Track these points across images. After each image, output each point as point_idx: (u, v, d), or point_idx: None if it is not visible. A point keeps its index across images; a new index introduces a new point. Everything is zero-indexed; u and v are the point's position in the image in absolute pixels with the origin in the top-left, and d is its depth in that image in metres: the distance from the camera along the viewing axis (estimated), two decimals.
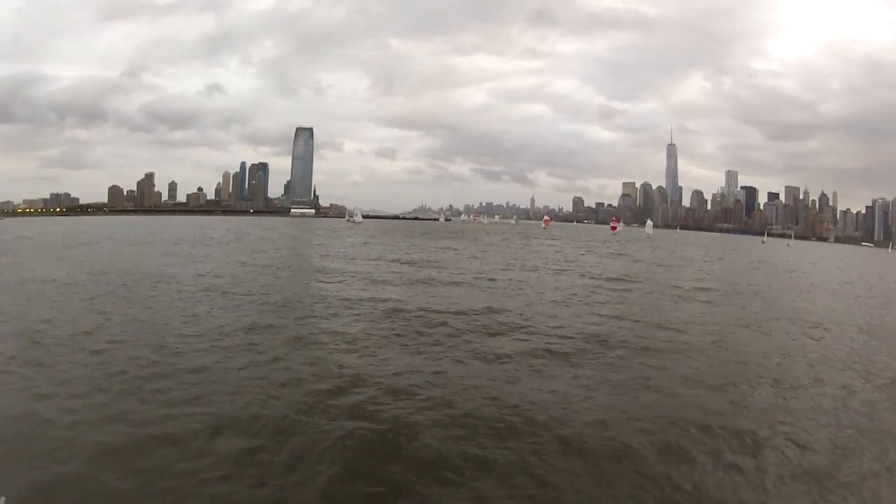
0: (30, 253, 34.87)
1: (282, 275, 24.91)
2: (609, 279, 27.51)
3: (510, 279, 25.78)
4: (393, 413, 8.13)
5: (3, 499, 5.49)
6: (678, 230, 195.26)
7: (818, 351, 13.81)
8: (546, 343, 12.78)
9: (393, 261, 33.51)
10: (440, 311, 16.20)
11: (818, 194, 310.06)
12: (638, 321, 16.25)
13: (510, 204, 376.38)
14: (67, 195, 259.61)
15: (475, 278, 25.37)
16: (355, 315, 15.42)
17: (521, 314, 16.36)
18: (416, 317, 15.22)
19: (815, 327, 17.15)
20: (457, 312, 16.09)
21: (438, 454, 6.92)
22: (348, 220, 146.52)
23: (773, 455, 7.34)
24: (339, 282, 22.74)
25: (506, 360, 11.30)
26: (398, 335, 13.10)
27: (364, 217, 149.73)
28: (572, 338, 13.53)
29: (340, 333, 13.06)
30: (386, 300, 17.79)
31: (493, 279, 25.30)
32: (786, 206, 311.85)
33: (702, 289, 25.63)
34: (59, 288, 19.31)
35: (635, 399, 9.25)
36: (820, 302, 24.35)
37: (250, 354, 11.10)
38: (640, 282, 27.24)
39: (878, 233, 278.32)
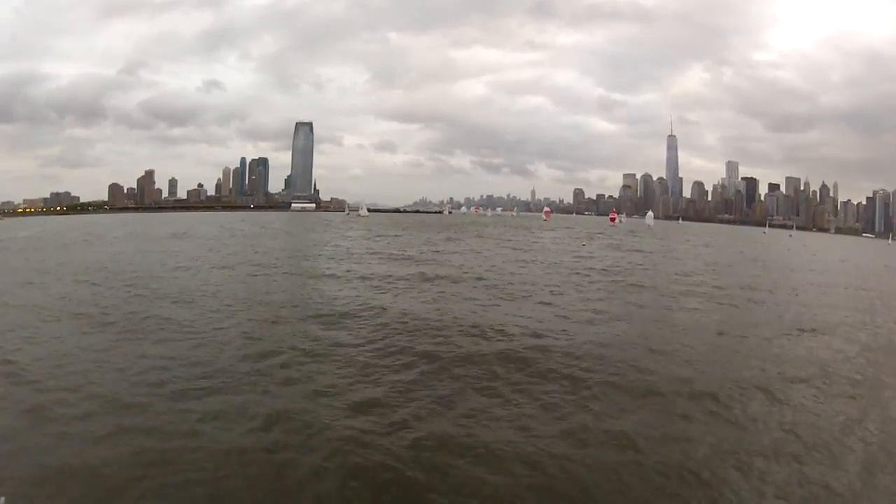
0: (22, 252, 35.53)
1: (277, 277, 24.61)
2: (609, 273, 27.61)
3: (510, 273, 25.86)
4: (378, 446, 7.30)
5: (3, 499, 5.54)
6: (680, 221, 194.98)
7: (829, 354, 13.07)
8: (540, 349, 12.10)
9: (394, 257, 33.51)
10: (440, 315, 16.05)
11: (819, 185, 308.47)
12: (638, 321, 16.08)
13: (511, 196, 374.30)
14: (68, 194, 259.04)
15: (475, 274, 25.40)
16: (349, 323, 14.33)
17: (517, 315, 15.86)
18: (417, 325, 14.03)
19: (830, 325, 16.71)
20: (458, 317, 15.61)
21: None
22: (348, 213, 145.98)
23: (778, 478, 6.85)
24: (338, 282, 22.70)
25: (495, 365, 10.71)
26: (397, 348, 11.87)
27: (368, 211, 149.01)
28: (569, 341, 13.22)
29: (332, 345, 12.07)
30: (385, 307, 16.29)
31: (492, 269, 25.41)
32: (786, 197, 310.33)
33: (706, 283, 25.66)
34: (44, 285, 19.76)
35: (633, 411, 8.72)
36: (830, 296, 24.30)
37: (231, 365, 10.49)
38: (641, 276, 27.33)
39: (878, 224, 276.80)
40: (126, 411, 8.12)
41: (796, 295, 23.24)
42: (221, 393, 8.98)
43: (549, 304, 17.71)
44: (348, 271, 24.81)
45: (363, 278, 22.51)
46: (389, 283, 21.35)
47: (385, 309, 15.96)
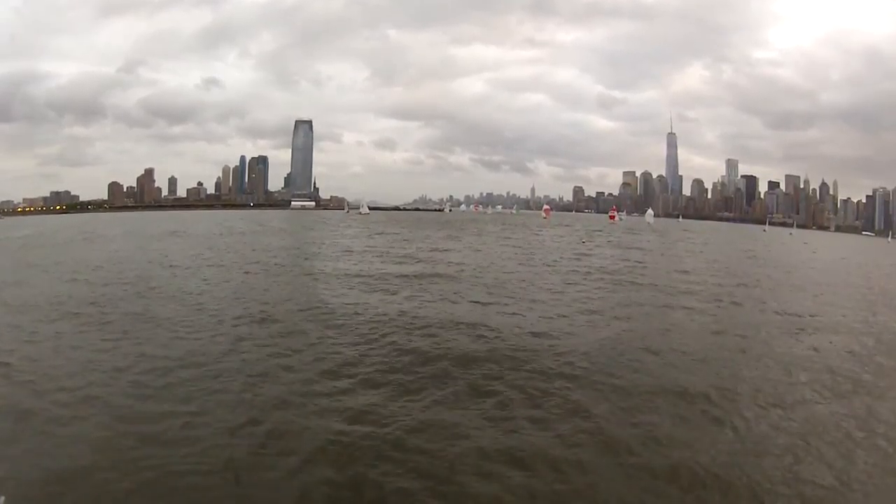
0: (20, 250, 35.84)
1: (273, 276, 24.34)
2: (609, 271, 27.53)
3: (509, 271, 25.78)
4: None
5: (3, 498, 5.53)
6: (680, 219, 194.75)
7: (832, 354, 12.67)
8: (538, 349, 11.81)
9: (393, 255, 33.37)
10: (438, 314, 15.79)
11: (818, 183, 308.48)
12: (638, 320, 15.81)
13: (510, 194, 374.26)
14: (67, 193, 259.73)
15: (474, 273, 25.32)
16: (344, 321, 14.01)
17: (516, 313, 15.65)
18: (414, 324, 13.76)
19: (832, 324, 16.45)
20: (455, 316, 15.39)
21: None
22: (348, 211, 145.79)
23: (781, 481, 6.64)
24: (335, 280, 22.57)
25: (492, 365, 10.49)
26: (392, 347, 11.65)
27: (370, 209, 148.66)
28: (568, 341, 13.15)
29: (326, 344, 11.89)
30: (381, 305, 16.11)
31: (491, 267, 25.32)
32: (786, 195, 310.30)
33: (706, 281, 25.53)
34: (41, 285, 19.64)
35: (634, 413, 8.45)
36: (831, 294, 24.11)
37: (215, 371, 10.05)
38: (640, 274, 27.22)
39: (878, 222, 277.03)
40: (122, 412, 8.09)
41: (797, 293, 23.18)
42: (216, 393, 8.91)
43: (548, 302, 17.64)
44: (346, 269, 24.71)
45: (360, 276, 22.40)
46: (387, 281, 21.24)
47: (381, 307, 15.86)
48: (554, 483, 6.53)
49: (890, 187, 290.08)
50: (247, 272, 23.72)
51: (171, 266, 25.48)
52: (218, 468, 6.61)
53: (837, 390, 10.08)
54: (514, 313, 15.63)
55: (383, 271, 23.99)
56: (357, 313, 14.99)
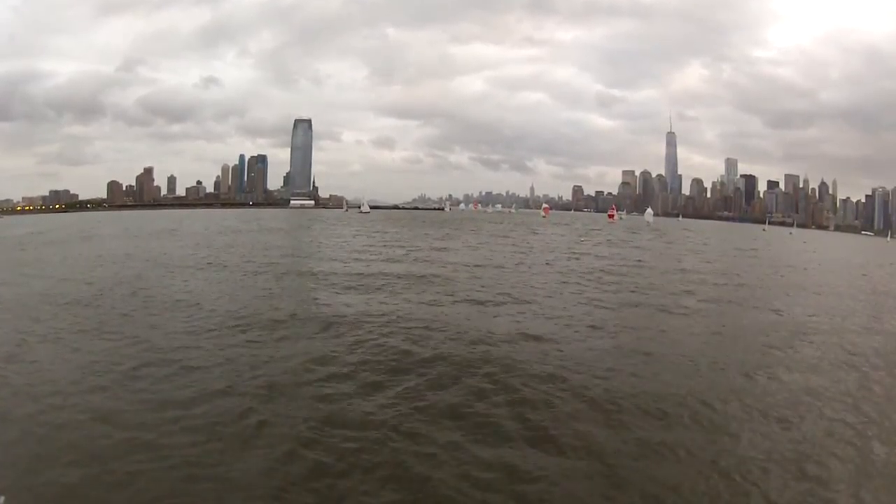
0: (15, 249, 35.85)
1: (268, 276, 24.03)
2: (607, 271, 27.45)
3: (507, 271, 25.70)
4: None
5: (3, 498, 5.55)
6: (679, 218, 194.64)
7: (835, 355, 12.58)
8: (534, 353, 11.59)
9: (391, 255, 33.24)
10: (434, 317, 15.74)
11: (818, 183, 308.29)
12: (635, 323, 15.51)
13: (510, 192, 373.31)
14: (67, 191, 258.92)
15: (471, 273, 25.18)
16: (336, 320, 13.92)
17: (513, 315, 15.41)
18: (408, 326, 13.51)
19: (834, 325, 16.26)
20: (450, 318, 15.31)
21: None
22: (346, 210, 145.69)
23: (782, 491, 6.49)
24: (329, 280, 22.43)
25: (488, 368, 10.29)
26: (383, 348, 11.54)
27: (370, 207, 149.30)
28: (564, 344, 13.09)
29: (314, 345, 11.82)
30: (376, 306, 15.85)
31: (488, 267, 25.24)
32: (786, 194, 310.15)
33: (706, 281, 25.43)
34: (37, 285, 19.51)
35: (632, 419, 8.28)
36: (833, 295, 24.01)
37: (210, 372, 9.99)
38: (639, 275, 27.13)
39: (878, 222, 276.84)
40: (117, 411, 8.10)
41: (799, 293, 23.08)
42: (209, 392, 8.85)
43: (545, 302, 17.54)
44: (342, 269, 24.58)
45: (357, 275, 22.29)
46: (384, 280, 21.12)
47: (377, 307, 15.76)
48: (550, 487, 6.43)
49: (889, 187, 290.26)
50: (242, 271, 23.58)
51: (166, 265, 25.36)
52: (208, 463, 6.68)
53: (843, 391, 9.98)
54: (510, 314, 15.52)
55: (380, 270, 23.88)
56: (352, 313, 14.87)
